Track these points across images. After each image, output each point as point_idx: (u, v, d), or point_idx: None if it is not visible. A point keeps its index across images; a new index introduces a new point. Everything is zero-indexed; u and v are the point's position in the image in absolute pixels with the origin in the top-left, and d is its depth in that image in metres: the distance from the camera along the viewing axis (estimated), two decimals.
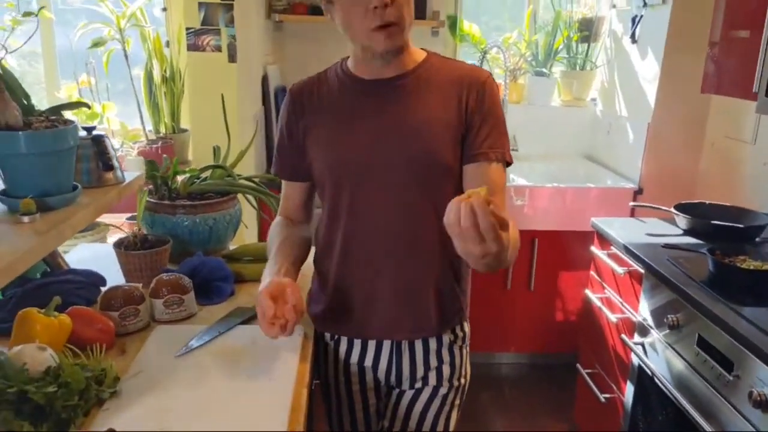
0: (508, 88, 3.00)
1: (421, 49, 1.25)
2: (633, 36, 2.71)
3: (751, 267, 1.67)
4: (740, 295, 1.56)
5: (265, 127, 2.79)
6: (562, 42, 3.06)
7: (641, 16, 2.65)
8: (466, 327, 1.37)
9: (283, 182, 1.35)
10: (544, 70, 3.10)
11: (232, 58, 2.43)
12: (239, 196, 1.76)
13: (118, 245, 1.52)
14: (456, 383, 1.33)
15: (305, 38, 2.96)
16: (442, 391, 1.31)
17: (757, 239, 1.96)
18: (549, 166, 3.03)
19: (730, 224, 1.99)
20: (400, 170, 1.18)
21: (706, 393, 1.52)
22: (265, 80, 2.75)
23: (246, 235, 2.22)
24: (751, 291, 1.60)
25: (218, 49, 2.43)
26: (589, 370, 2.25)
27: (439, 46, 2.99)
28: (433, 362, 1.30)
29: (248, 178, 1.79)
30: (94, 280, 1.45)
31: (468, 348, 1.37)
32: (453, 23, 3.00)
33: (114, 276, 1.49)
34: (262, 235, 2.44)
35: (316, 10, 2.82)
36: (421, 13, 2.86)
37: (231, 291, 1.47)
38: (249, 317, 1.33)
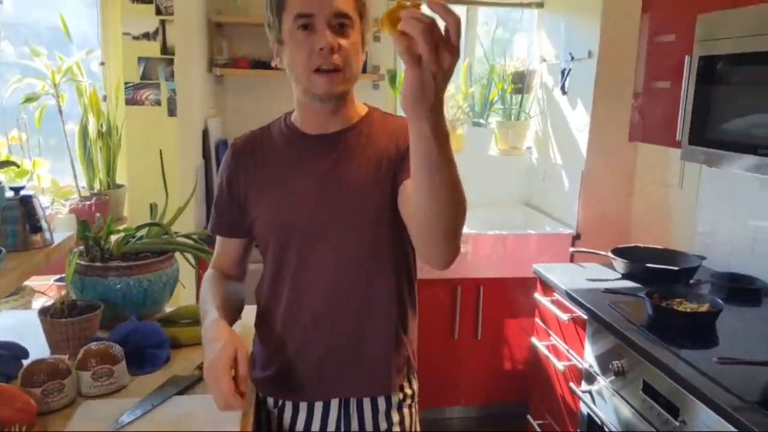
0: None
1: (363, 103, 1.25)
2: (563, 88, 2.83)
3: (688, 309, 1.73)
4: (680, 338, 1.61)
5: (206, 181, 2.73)
6: (497, 94, 3.17)
7: (569, 69, 2.78)
8: (415, 384, 1.33)
9: (220, 238, 1.30)
10: (481, 120, 3.20)
11: (171, 112, 2.41)
12: (177, 254, 1.70)
13: (43, 313, 1.41)
14: None
15: (247, 92, 2.95)
16: None
17: (691, 281, 2.04)
18: (490, 214, 3.08)
19: (665, 267, 2.06)
20: (347, 228, 1.16)
21: None
22: (206, 134, 2.71)
23: (183, 295, 2.13)
24: (689, 333, 1.65)
25: (158, 103, 2.40)
26: (540, 421, 2.24)
27: (380, 98, 3.04)
28: (383, 425, 1.25)
29: (187, 236, 1.73)
30: (15, 352, 1.33)
31: (417, 406, 1.33)
32: (393, 77, 3.07)
33: (38, 346, 1.37)
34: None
35: (258, 65, 2.83)
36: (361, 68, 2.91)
37: (166, 357, 1.39)
38: (186, 386, 1.25)
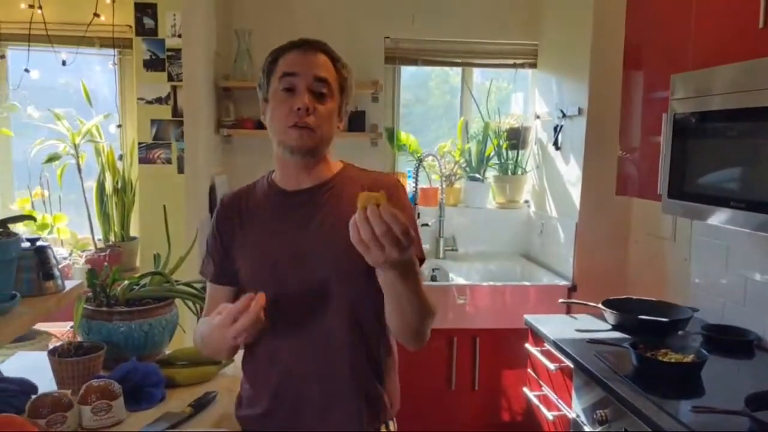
0: (444, 192, 3.15)
1: (340, 161, 1.36)
2: (556, 143, 2.93)
3: (672, 360, 1.75)
4: (663, 388, 1.62)
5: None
6: (493, 150, 3.28)
7: (561, 126, 2.89)
8: (393, 426, 1.37)
9: (210, 285, 1.37)
10: (477, 175, 3.29)
11: (181, 169, 2.54)
12: (177, 301, 1.79)
13: (52, 353, 1.53)
14: None
15: (252, 150, 3.08)
16: None
17: (680, 332, 2.05)
18: (487, 266, 3.13)
19: (655, 318, 2.09)
20: (321, 279, 1.24)
21: None
22: (212, 190, 2.85)
23: (184, 340, 2.21)
24: (673, 383, 1.67)
25: (168, 161, 2.54)
26: None
27: (378, 155, 3.16)
28: None
29: (187, 284, 1.82)
30: (25, 388, 1.44)
31: None
32: (391, 135, 3.19)
33: (48, 384, 1.49)
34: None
35: (261, 125, 2.96)
36: (360, 127, 3.05)
37: (162, 396, 1.48)
38: (177, 421, 1.33)
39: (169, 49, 2.48)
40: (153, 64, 2.49)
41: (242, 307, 1.12)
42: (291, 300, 1.24)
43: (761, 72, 1.48)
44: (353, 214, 1.22)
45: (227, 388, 1.55)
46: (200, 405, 1.45)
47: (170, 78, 2.50)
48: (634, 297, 2.32)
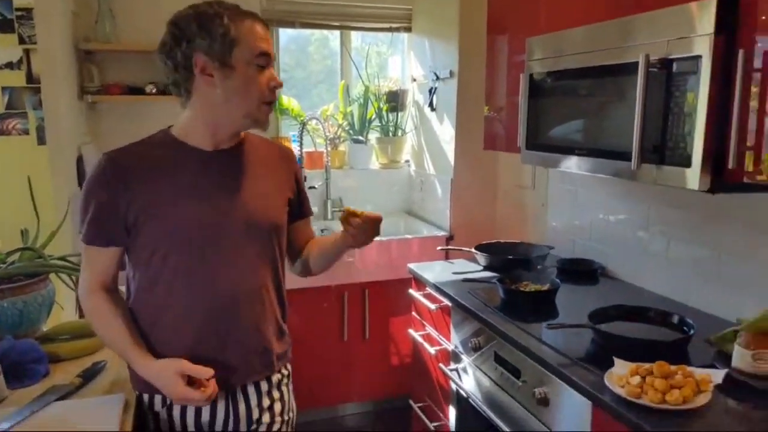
0: (329, 155, 3.26)
1: None
2: (431, 105, 3.13)
3: (532, 289, 2.01)
4: (525, 314, 1.87)
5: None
6: (374, 112, 3.42)
7: (436, 88, 3.08)
8: (289, 366, 1.52)
9: (93, 250, 1.31)
10: (360, 137, 3.43)
11: (41, 140, 2.38)
12: (53, 276, 1.74)
13: None
14: (286, 417, 1.47)
15: (123, 117, 2.93)
16: (275, 427, 1.43)
17: (539, 267, 2.34)
18: None
19: (517, 257, 2.36)
20: (242, 233, 1.33)
21: (506, 401, 1.78)
22: (80, 161, 2.71)
23: (63, 316, 2.15)
24: (533, 309, 1.92)
25: (26, 132, 2.38)
26: (421, 404, 2.46)
27: None
28: (266, 402, 1.41)
29: (62, 258, 1.77)
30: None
31: (292, 384, 1.52)
32: None
33: None
34: (81, 312, 2.37)
35: (131, 90, 2.85)
36: None
37: (45, 372, 1.46)
38: (66, 393, 1.33)
39: (18, 9, 2.30)
40: (0, 26, 2.30)
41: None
42: (214, 257, 1.31)
43: (601, 35, 1.69)
44: (272, 177, 1.44)
45: (116, 356, 1.48)
46: (89, 375, 1.43)
47: (21, 41, 2.33)
48: (502, 241, 2.59)
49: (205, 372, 1.25)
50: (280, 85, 1.32)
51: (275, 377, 1.44)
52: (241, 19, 1.28)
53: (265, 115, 1.32)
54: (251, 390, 1.39)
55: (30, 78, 2.34)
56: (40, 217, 1.76)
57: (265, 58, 1.29)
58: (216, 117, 1.31)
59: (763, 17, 1.28)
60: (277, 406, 1.43)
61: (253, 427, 1.40)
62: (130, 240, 1.31)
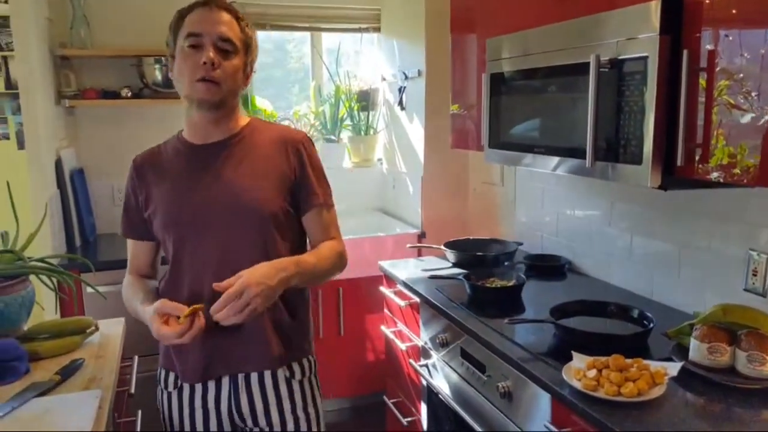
0: None
1: (247, 115, 1.49)
2: (401, 104, 3.16)
3: (498, 285, 2.05)
4: (490, 309, 1.90)
5: (63, 208, 2.74)
6: (346, 112, 3.44)
7: (405, 87, 3.11)
8: (307, 363, 1.51)
9: (131, 242, 1.50)
10: (332, 137, 3.45)
11: (21, 145, 2.41)
12: (33, 278, 1.76)
13: None
14: (300, 415, 1.47)
15: (100, 121, 2.95)
16: (289, 427, 1.46)
17: (507, 263, 2.38)
18: (348, 222, 3.28)
19: (485, 254, 2.40)
20: (234, 221, 1.36)
21: (473, 396, 1.82)
22: (59, 164, 2.72)
23: (43, 315, 2.17)
24: (498, 305, 1.96)
25: (6, 137, 2.40)
26: (394, 400, 2.50)
27: None
28: (272, 397, 1.43)
29: (41, 260, 1.79)
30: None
31: (314, 382, 1.54)
32: (245, 99, 3.23)
33: None
34: (63, 313, 2.38)
35: (108, 95, 2.87)
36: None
37: (26, 369, 1.49)
38: (45, 390, 1.36)
39: None
40: None
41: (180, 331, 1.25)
42: (210, 246, 1.36)
43: (556, 36, 1.73)
44: (266, 166, 1.40)
45: (95, 355, 1.58)
46: (67, 372, 1.47)
47: None
48: (471, 237, 2.63)
49: (178, 309, 1.26)
50: (211, 60, 1.29)
51: (283, 373, 1.44)
52: (189, 10, 1.34)
53: (200, 92, 1.31)
54: (254, 381, 1.42)
55: (8, 84, 2.37)
56: (19, 220, 1.79)
57: (194, 38, 1.31)
58: (185, 110, 1.39)
59: (706, 18, 1.33)
60: (286, 404, 1.45)
61: (261, 421, 1.43)
62: (154, 235, 1.44)
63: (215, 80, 1.30)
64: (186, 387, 1.44)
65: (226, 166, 1.38)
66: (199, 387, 1.43)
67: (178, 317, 1.26)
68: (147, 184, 1.42)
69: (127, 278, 1.50)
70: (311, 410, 1.51)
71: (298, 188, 1.42)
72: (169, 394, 1.46)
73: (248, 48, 1.39)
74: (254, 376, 1.42)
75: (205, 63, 1.29)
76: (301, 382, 1.49)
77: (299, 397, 1.48)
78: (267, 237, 1.38)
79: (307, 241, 1.51)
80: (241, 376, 1.42)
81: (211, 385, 1.42)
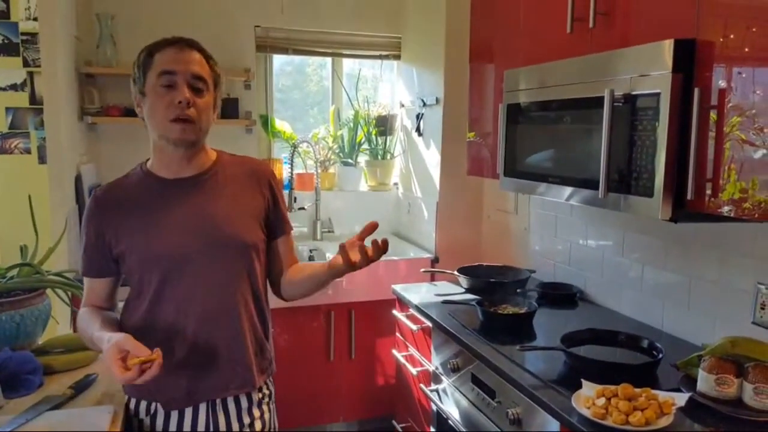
0: (319, 177, 3.34)
1: (212, 148, 1.50)
2: (418, 130, 3.21)
3: (510, 312, 2.07)
4: (502, 336, 1.92)
5: (80, 223, 2.80)
6: (364, 136, 3.51)
7: (423, 114, 3.16)
8: (272, 386, 1.56)
9: (87, 279, 1.46)
10: (350, 160, 3.51)
11: (42, 159, 2.47)
12: (49, 291, 1.81)
13: None
14: None
15: (120, 138, 3.02)
16: None
17: (519, 290, 2.40)
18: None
19: (498, 280, 2.42)
20: (218, 253, 1.39)
21: (483, 422, 1.82)
22: (78, 179, 2.79)
23: (58, 330, 2.21)
24: (510, 331, 1.98)
25: (27, 151, 2.46)
26: (403, 425, 2.50)
27: (254, 141, 3.26)
28: (246, 419, 1.46)
29: (58, 274, 1.84)
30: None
31: (274, 404, 1.56)
32: (265, 121, 3.31)
33: None
34: (75, 327, 2.43)
35: (130, 112, 2.94)
36: (234, 113, 3.13)
37: (40, 383, 1.52)
38: (58, 403, 1.39)
39: (24, 33, 2.41)
40: (6, 49, 2.40)
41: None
42: (187, 279, 1.37)
43: (573, 70, 1.77)
44: (241, 198, 1.45)
45: (108, 370, 1.59)
46: (81, 387, 1.50)
47: (26, 64, 2.42)
48: (484, 264, 2.65)
49: (140, 351, 1.19)
50: (187, 99, 1.30)
51: (256, 395, 1.48)
52: (160, 48, 1.36)
53: (176, 132, 1.32)
54: (231, 404, 1.45)
55: (33, 99, 2.44)
56: (38, 234, 1.84)
57: (167, 77, 1.32)
58: (153, 144, 1.41)
59: (719, 57, 1.36)
60: (258, 425, 1.48)
61: None
62: (121, 269, 1.42)
63: (190, 119, 1.33)
64: (160, 414, 1.41)
65: (203, 201, 1.40)
66: (175, 413, 1.42)
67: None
68: (113, 220, 1.39)
69: (83, 309, 1.45)
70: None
71: (272, 218, 1.51)
72: (140, 422, 1.43)
73: (217, 84, 1.43)
74: (230, 399, 1.45)
75: (180, 102, 1.30)
76: (268, 404, 1.53)
77: (269, 417, 1.52)
78: (250, 266, 1.43)
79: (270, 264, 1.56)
80: (219, 400, 1.43)
81: (188, 410, 1.42)
